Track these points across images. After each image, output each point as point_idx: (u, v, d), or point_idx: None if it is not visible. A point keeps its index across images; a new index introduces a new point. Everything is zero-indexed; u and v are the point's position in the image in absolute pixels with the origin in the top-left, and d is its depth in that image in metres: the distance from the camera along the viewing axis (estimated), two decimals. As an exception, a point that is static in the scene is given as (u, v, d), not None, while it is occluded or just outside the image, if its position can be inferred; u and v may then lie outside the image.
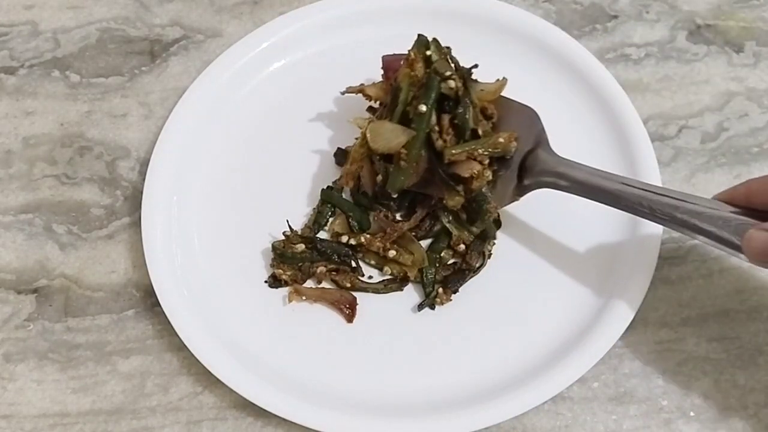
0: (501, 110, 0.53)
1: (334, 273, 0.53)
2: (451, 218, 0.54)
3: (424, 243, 0.54)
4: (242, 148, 0.59)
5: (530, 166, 0.51)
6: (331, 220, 0.55)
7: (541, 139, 0.51)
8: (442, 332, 0.52)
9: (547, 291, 0.53)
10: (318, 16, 0.63)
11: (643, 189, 0.47)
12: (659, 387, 0.50)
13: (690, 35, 0.63)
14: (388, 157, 0.52)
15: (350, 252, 0.54)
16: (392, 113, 0.52)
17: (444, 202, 0.52)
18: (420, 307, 0.52)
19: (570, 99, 0.59)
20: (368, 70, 0.58)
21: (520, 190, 0.52)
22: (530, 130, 0.51)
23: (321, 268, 0.53)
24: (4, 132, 0.61)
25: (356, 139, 0.55)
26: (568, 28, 0.63)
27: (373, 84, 0.56)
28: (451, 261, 0.54)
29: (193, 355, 0.50)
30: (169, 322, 0.51)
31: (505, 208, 0.55)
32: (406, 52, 0.53)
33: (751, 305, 0.52)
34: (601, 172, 0.50)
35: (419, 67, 0.52)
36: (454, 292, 0.53)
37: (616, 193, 0.48)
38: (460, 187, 0.51)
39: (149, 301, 0.54)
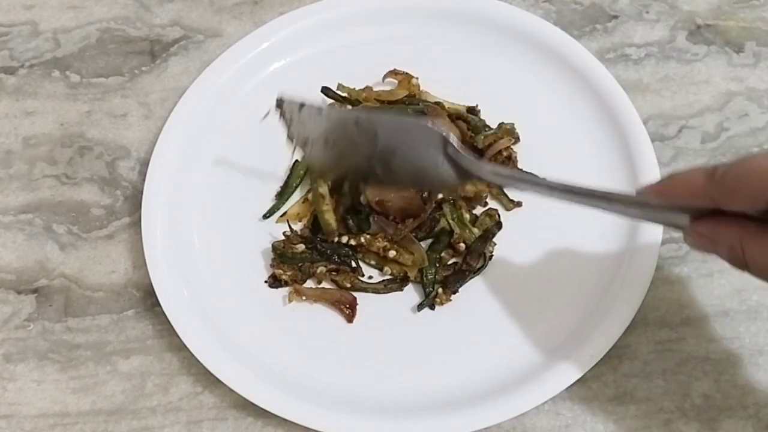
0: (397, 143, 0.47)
1: (334, 273, 0.53)
2: (454, 216, 0.54)
3: (424, 243, 0.54)
4: (242, 148, 0.59)
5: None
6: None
7: (445, 149, 0.46)
8: (442, 332, 0.52)
9: (547, 291, 0.53)
10: (318, 16, 0.63)
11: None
12: (659, 387, 0.50)
13: (690, 35, 0.63)
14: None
15: (350, 252, 0.54)
16: None
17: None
18: (420, 307, 0.52)
19: (570, 99, 0.59)
20: (368, 70, 0.58)
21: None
22: (429, 150, 0.46)
23: (321, 268, 0.53)
24: (4, 132, 0.61)
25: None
26: (568, 28, 0.63)
27: None
28: (451, 261, 0.54)
29: (193, 355, 0.50)
30: (169, 322, 0.51)
31: (506, 210, 0.55)
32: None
33: (751, 305, 0.52)
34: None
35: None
36: (454, 293, 0.53)
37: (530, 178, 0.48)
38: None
39: (149, 301, 0.54)
